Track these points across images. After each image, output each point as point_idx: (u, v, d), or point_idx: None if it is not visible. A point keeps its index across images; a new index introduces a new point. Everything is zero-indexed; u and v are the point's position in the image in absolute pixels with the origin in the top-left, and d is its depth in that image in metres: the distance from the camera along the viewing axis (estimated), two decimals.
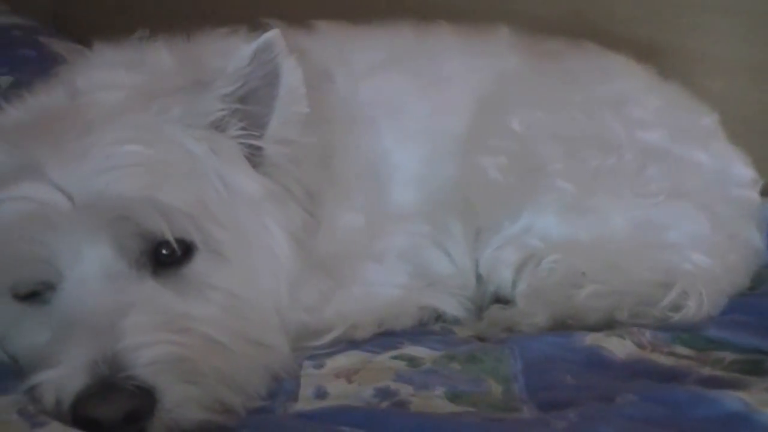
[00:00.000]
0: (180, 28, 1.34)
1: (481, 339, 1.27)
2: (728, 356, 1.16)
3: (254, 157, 1.13)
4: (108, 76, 1.19)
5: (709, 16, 1.74)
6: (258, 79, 1.12)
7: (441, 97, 1.44)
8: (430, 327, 1.33)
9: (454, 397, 1.05)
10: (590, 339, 1.18)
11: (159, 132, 1.08)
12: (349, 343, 1.21)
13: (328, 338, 1.21)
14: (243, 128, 1.12)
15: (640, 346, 1.17)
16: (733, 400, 0.97)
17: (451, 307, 1.35)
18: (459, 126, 1.43)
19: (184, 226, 1.03)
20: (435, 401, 1.04)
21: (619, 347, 1.16)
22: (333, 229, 1.27)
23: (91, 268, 1.01)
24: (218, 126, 1.11)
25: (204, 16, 1.41)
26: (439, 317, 1.36)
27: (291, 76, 1.13)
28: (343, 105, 1.36)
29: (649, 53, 1.61)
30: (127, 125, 1.07)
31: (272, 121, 1.14)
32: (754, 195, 1.46)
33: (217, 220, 1.07)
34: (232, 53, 1.14)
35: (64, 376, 0.95)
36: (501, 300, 1.37)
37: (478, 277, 1.39)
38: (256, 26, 1.25)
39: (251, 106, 1.12)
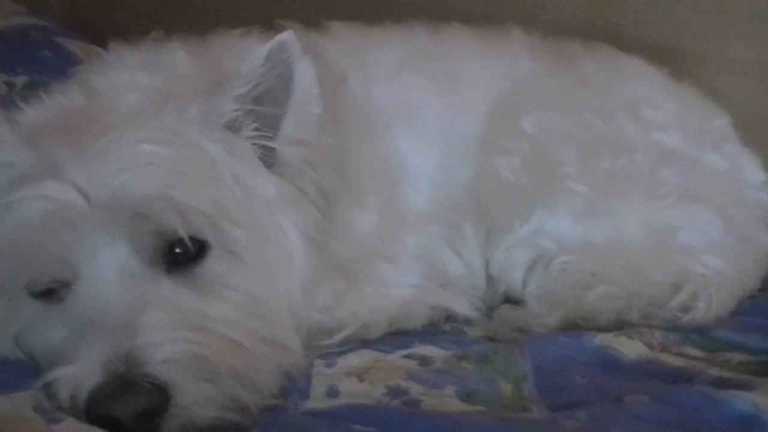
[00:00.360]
0: (194, 28, 1.35)
1: (491, 339, 1.27)
2: (738, 357, 1.16)
3: (268, 158, 1.14)
4: (124, 77, 1.20)
5: (724, 17, 1.74)
6: (272, 79, 1.12)
7: (455, 99, 1.44)
8: (441, 327, 1.34)
9: (464, 396, 1.06)
10: (600, 339, 1.18)
11: (175, 132, 1.09)
12: (360, 342, 1.22)
13: (339, 337, 1.22)
14: (257, 129, 1.13)
15: (651, 346, 1.17)
16: (742, 401, 0.97)
17: (462, 306, 1.36)
18: (473, 127, 1.43)
19: (199, 224, 1.04)
20: (446, 400, 1.05)
21: (629, 348, 1.16)
22: (347, 229, 1.27)
23: (107, 267, 1.02)
24: (232, 126, 1.12)
25: (218, 17, 1.42)
26: (449, 317, 1.36)
27: (305, 77, 1.14)
28: (357, 106, 1.36)
29: (664, 55, 1.60)
30: (144, 126, 1.08)
31: (286, 122, 1.14)
32: (766, 198, 1.46)
33: (231, 219, 1.07)
34: (246, 54, 1.14)
35: (80, 373, 0.96)
36: (511, 300, 1.38)
37: (489, 278, 1.40)
38: (271, 27, 1.26)
39: (265, 106, 1.13)
